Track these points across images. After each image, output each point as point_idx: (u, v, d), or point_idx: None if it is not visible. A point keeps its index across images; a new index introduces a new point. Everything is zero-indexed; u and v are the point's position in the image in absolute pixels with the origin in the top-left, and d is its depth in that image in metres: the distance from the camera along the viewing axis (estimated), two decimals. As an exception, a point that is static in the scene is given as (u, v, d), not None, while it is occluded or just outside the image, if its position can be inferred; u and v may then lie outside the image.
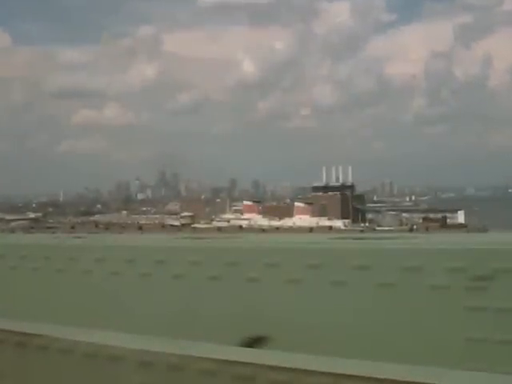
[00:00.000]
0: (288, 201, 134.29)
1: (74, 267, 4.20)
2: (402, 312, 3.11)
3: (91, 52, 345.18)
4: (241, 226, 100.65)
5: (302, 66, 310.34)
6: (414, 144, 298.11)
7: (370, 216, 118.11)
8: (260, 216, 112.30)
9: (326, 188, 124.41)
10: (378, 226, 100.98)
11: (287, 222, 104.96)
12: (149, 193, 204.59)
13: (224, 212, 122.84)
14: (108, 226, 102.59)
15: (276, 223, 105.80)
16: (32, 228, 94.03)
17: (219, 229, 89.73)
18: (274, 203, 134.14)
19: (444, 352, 2.89)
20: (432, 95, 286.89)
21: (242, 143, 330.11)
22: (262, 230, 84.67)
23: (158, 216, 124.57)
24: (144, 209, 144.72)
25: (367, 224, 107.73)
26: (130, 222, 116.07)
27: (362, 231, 74.67)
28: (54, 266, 4.30)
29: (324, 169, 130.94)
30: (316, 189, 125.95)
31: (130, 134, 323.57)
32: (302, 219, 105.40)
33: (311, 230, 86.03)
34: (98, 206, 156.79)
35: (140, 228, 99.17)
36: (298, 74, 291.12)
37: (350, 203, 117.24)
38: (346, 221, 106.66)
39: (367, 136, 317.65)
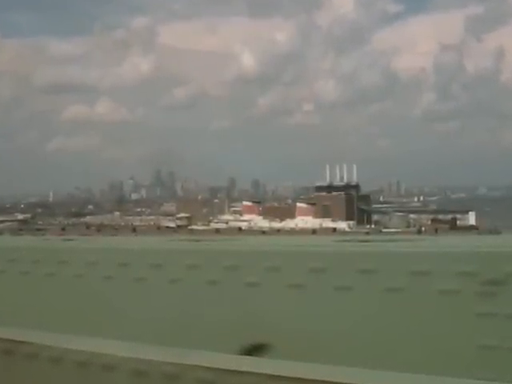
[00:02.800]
0: (289, 201, 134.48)
1: (65, 271, 4.20)
2: (409, 318, 3.11)
3: (83, 44, 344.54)
4: (240, 228, 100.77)
5: (304, 60, 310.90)
6: (423, 141, 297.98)
7: (375, 217, 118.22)
8: (260, 217, 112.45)
9: (329, 188, 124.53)
10: (385, 227, 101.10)
11: (289, 224, 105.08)
12: (143, 193, 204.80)
13: (222, 213, 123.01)
14: (100, 228, 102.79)
15: (277, 225, 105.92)
16: (20, 230, 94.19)
17: (217, 231, 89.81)
18: (275, 204, 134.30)
19: (454, 360, 2.90)
20: (441, 90, 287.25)
21: (242, 140, 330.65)
22: (263, 232, 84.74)
23: (152, 217, 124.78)
24: (138, 210, 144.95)
25: (373, 226, 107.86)
26: (123, 223, 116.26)
27: (367, 233, 74.72)
28: (43, 269, 4.30)
29: (327, 167, 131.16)
30: (319, 189, 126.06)
31: (124, 131, 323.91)
32: (304, 220, 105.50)
33: (314, 231, 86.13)
34: (90, 206, 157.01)
35: (134, 230, 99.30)
36: (300, 67, 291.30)
37: (355, 204, 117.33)
38: (351, 222, 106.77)
39: (373, 133, 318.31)
